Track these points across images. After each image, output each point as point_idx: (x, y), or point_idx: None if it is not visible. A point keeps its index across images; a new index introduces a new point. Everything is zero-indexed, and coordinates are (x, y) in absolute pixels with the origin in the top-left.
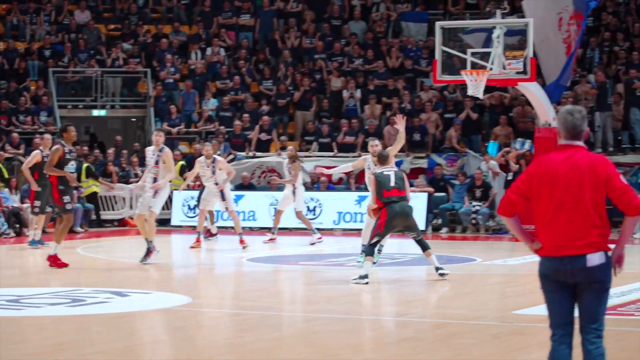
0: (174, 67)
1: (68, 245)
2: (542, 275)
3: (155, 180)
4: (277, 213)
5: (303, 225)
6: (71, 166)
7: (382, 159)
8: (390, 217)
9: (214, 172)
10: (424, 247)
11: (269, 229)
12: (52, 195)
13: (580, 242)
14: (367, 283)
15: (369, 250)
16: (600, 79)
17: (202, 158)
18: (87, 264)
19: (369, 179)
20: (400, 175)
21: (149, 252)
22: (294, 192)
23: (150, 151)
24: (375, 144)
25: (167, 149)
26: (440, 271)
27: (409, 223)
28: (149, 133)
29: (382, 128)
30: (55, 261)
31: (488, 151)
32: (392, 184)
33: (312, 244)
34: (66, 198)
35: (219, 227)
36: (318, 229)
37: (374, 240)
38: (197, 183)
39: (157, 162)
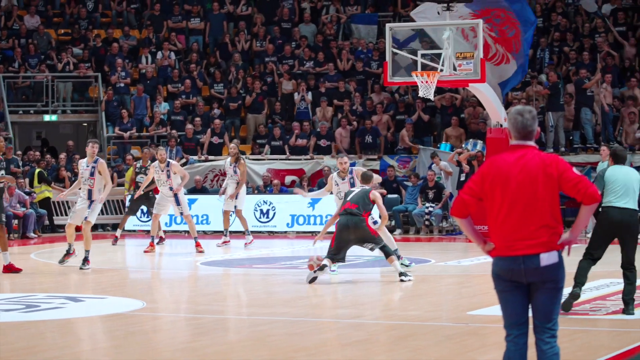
0: (125, 71)
1: (22, 251)
2: (495, 275)
3: (90, 191)
4: (225, 214)
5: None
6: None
7: (365, 179)
8: (340, 229)
9: (169, 176)
10: (387, 254)
11: (222, 232)
12: None
13: (533, 241)
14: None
15: (331, 258)
16: (552, 79)
17: (156, 163)
18: (41, 269)
19: (339, 194)
20: (365, 192)
21: (68, 254)
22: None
23: (84, 163)
24: (344, 161)
25: (101, 160)
26: (401, 277)
27: (359, 235)
28: (100, 138)
29: (333, 130)
30: (10, 269)
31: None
32: (349, 198)
33: (246, 244)
34: None
35: (173, 232)
36: (272, 232)
37: (330, 255)
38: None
39: (92, 174)
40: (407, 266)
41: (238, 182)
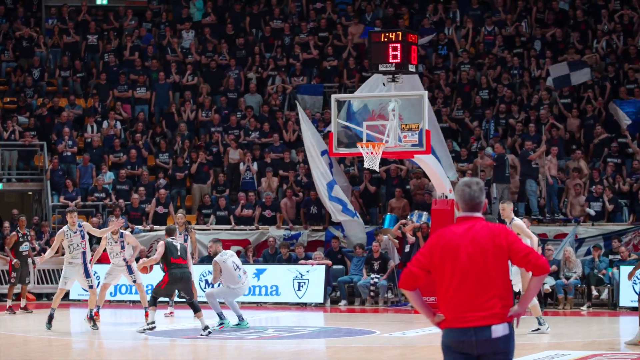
0: (71, 140)
1: None
2: (445, 347)
3: (84, 254)
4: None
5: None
6: None
7: (169, 232)
8: (172, 280)
9: (122, 247)
10: (195, 310)
11: (167, 303)
12: None
13: (485, 312)
14: (152, 328)
15: (152, 301)
16: (498, 151)
17: (108, 234)
18: None
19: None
20: (184, 247)
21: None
22: None
23: (69, 232)
24: (179, 217)
25: (84, 222)
26: (207, 330)
27: (187, 287)
28: (45, 206)
29: (278, 201)
30: None
31: (385, 224)
32: (178, 253)
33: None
34: None
35: (118, 302)
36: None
37: (155, 295)
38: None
39: (83, 237)
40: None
41: (191, 252)
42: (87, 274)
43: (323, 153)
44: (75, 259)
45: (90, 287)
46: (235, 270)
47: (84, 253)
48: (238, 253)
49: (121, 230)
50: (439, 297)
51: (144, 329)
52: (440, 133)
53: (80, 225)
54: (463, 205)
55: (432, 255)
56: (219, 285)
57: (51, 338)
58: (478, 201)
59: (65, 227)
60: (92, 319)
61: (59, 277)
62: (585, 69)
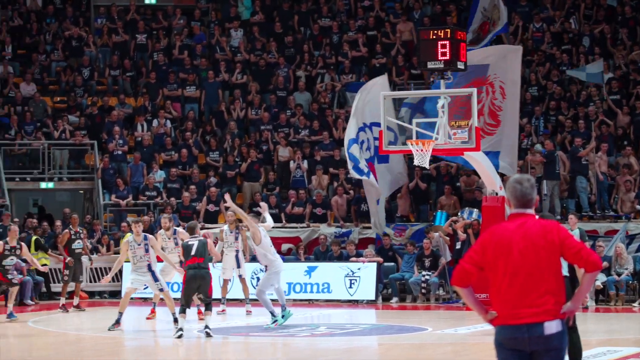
0: (122, 138)
1: (19, 318)
2: (498, 344)
3: (149, 265)
4: (224, 283)
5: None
6: None
7: (188, 230)
8: (187, 280)
9: (176, 244)
10: (207, 309)
11: (219, 300)
12: None
13: (537, 309)
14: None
15: (181, 308)
16: (548, 147)
17: (161, 231)
18: (38, 336)
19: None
20: (203, 245)
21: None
22: (236, 258)
23: (133, 242)
24: (230, 214)
25: (150, 235)
26: (207, 330)
27: (203, 285)
28: (96, 205)
29: (329, 198)
30: None
31: (435, 221)
32: (193, 252)
33: (248, 312)
34: None
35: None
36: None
37: (182, 303)
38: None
39: (147, 250)
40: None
41: (238, 250)
42: (156, 279)
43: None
44: (140, 268)
45: (161, 290)
46: (270, 246)
47: (149, 265)
48: (289, 251)
49: (174, 227)
50: (492, 294)
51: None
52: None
53: (146, 238)
54: (515, 202)
55: (484, 252)
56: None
57: (104, 336)
58: (530, 197)
59: (130, 237)
60: (177, 320)
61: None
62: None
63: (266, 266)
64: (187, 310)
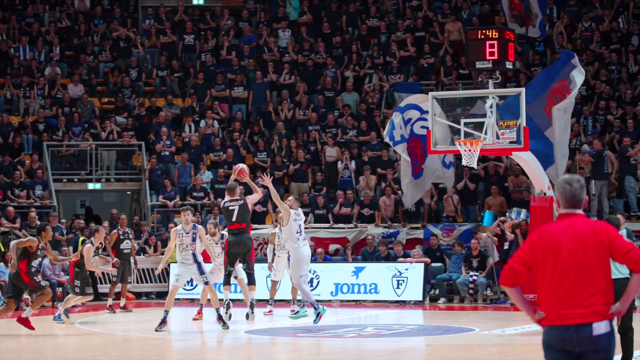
0: (169, 139)
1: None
2: (546, 345)
3: (194, 255)
4: (273, 284)
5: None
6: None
7: (229, 191)
8: (229, 246)
9: (223, 249)
10: (250, 282)
11: (266, 301)
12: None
13: (586, 310)
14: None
15: (225, 279)
16: (596, 147)
17: (207, 236)
18: (85, 337)
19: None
20: (244, 209)
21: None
22: (288, 259)
23: (181, 230)
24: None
25: (199, 226)
26: (248, 311)
27: (244, 251)
28: (144, 206)
29: (377, 199)
30: (25, 323)
31: (483, 221)
32: (234, 218)
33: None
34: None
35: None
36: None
37: (227, 270)
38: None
39: (194, 239)
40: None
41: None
42: (202, 271)
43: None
44: (186, 259)
45: (206, 283)
46: (296, 232)
47: (193, 255)
48: (337, 251)
49: (221, 232)
50: (540, 294)
51: (223, 315)
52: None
53: (195, 227)
54: (564, 203)
55: (533, 251)
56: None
57: (151, 337)
58: (579, 198)
59: (179, 226)
60: (221, 318)
61: (158, 276)
62: None
63: (289, 253)
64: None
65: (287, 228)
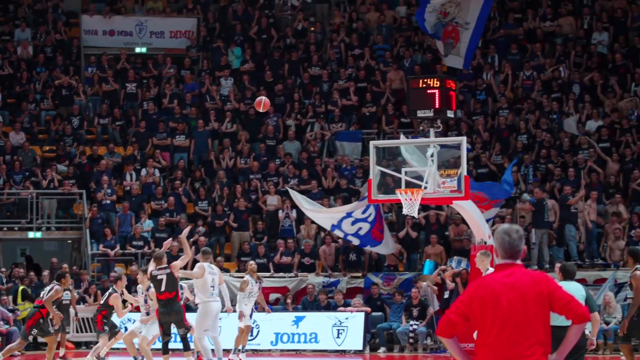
0: (110, 188)
1: None
2: None
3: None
4: (242, 330)
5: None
6: None
7: (155, 259)
8: (161, 316)
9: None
10: (185, 347)
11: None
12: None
13: None
14: None
15: (163, 348)
16: (537, 196)
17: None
18: None
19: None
20: (171, 280)
21: None
22: (253, 309)
23: (140, 291)
24: (252, 264)
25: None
26: None
27: (177, 319)
28: (84, 255)
29: (317, 248)
30: None
31: (424, 270)
32: (163, 288)
33: None
34: None
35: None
36: (256, 351)
37: (165, 339)
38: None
39: (146, 301)
40: None
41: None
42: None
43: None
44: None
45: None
46: (210, 287)
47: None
48: (277, 300)
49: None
50: (479, 344)
51: None
52: None
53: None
54: (502, 253)
55: (471, 302)
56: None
57: None
58: (518, 249)
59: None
60: None
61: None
62: None
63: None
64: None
65: (202, 281)
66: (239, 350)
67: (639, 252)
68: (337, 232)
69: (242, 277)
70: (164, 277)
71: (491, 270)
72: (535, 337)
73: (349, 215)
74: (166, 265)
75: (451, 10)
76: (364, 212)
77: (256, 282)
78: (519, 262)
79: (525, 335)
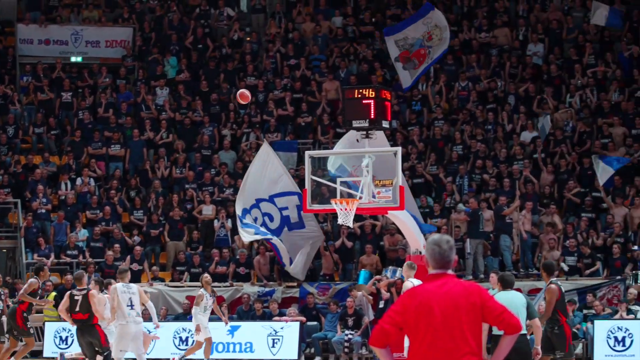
0: (45, 197)
1: None
2: None
3: None
4: (207, 342)
5: None
6: None
7: (77, 280)
8: (78, 337)
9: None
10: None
11: None
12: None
13: None
14: None
15: None
16: (472, 206)
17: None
18: None
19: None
20: (84, 300)
21: None
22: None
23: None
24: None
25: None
26: None
27: (94, 340)
28: (19, 264)
29: (253, 257)
30: None
31: (359, 280)
32: (77, 308)
33: None
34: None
35: None
36: None
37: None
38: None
39: None
40: None
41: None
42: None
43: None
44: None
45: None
46: (127, 306)
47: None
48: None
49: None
50: (411, 354)
51: None
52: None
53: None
54: (434, 264)
55: (405, 312)
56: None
57: None
58: (449, 259)
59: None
60: None
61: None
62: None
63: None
64: None
65: (117, 303)
66: None
67: (553, 266)
68: (247, 218)
69: (182, 287)
70: (80, 298)
71: (414, 281)
72: (467, 347)
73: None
74: (86, 287)
75: (435, 38)
76: (284, 208)
77: (211, 296)
78: (450, 272)
79: (458, 345)
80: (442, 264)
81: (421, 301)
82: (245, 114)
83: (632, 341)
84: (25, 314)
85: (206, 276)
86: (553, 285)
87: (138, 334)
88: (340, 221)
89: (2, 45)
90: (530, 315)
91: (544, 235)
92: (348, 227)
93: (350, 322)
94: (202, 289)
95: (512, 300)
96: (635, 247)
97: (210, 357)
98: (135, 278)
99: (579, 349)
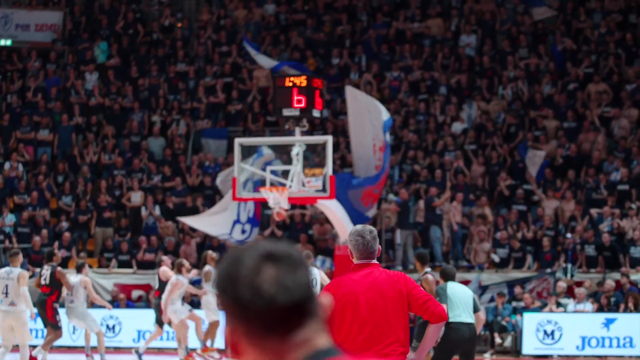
0: None
1: None
2: None
3: None
4: (211, 326)
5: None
6: None
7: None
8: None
9: None
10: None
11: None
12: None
13: (384, 358)
14: None
15: None
16: (403, 197)
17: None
18: None
19: None
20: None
21: None
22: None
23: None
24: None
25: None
26: None
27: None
28: None
29: (180, 246)
30: None
31: None
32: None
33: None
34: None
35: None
36: (118, 348)
37: None
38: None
39: None
40: None
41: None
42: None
43: None
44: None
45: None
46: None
47: None
48: (140, 298)
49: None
50: (337, 343)
51: None
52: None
53: None
54: (358, 255)
55: (331, 301)
56: None
57: None
58: (372, 250)
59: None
60: None
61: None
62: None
63: None
64: None
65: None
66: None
67: (426, 255)
68: (233, 238)
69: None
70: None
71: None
72: (394, 335)
73: (238, 221)
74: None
75: None
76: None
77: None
78: (375, 261)
79: (384, 334)
80: (367, 255)
81: (347, 291)
82: (175, 100)
83: (561, 334)
84: (55, 305)
85: (211, 253)
86: (430, 276)
87: (11, 323)
88: (271, 204)
89: None
90: (475, 308)
91: (475, 227)
92: (286, 209)
93: None
94: (208, 266)
95: (460, 292)
96: (569, 235)
97: (135, 345)
98: (63, 264)
99: (508, 342)
